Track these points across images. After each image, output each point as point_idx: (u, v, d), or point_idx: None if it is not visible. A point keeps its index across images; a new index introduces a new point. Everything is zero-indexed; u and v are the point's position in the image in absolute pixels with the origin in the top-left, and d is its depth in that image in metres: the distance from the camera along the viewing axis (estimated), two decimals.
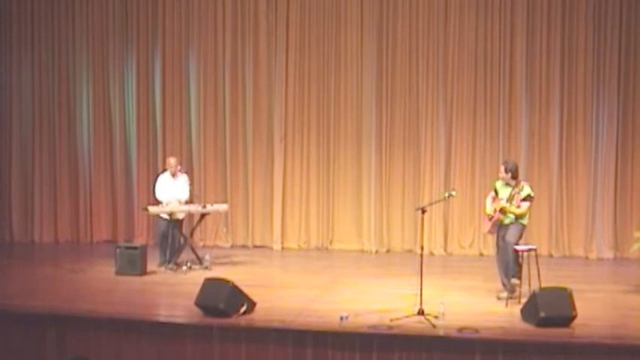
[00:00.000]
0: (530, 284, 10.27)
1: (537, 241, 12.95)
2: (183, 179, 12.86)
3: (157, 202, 12.72)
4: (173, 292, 11.34)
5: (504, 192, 10.60)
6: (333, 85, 14.66)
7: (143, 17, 15.06)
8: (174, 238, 12.70)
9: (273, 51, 14.76)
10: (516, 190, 10.48)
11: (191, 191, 13.01)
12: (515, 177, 10.62)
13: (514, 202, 10.43)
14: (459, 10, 14.20)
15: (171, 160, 12.86)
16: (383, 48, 14.43)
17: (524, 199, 10.46)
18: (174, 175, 12.76)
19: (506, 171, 10.62)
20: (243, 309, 9.66)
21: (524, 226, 10.63)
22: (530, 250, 10.56)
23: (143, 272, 12.16)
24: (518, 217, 10.48)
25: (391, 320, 9.35)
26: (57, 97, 15.32)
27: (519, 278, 10.39)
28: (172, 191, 12.67)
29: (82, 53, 15.23)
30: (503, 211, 10.47)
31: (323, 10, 14.63)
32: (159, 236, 12.78)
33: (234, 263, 13.32)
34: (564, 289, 9.50)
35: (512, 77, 14.10)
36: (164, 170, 13.09)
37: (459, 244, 14.38)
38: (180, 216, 12.84)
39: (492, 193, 10.82)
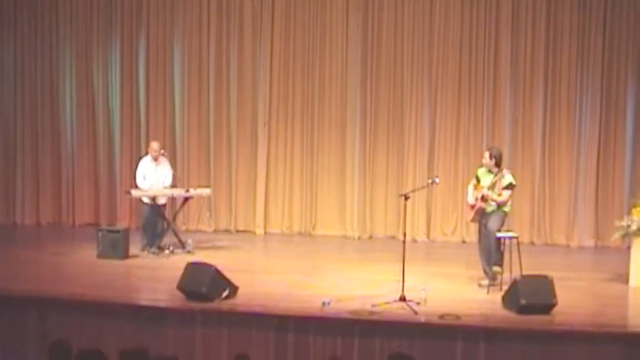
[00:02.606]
0: (511, 272, 10.29)
1: (519, 229, 12.98)
2: (165, 165, 12.80)
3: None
4: (155, 276, 11.33)
5: (486, 180, 10.61)
6: (317, 71, 14.64)
7: (127, 2, 14.95)
8: (157, 223, 12.68)
9: (258, 36, 14.72)
10: (498, 177, 10.51)
11: (174, 176, 12.96)
12: (498, 164, 10.64)
13: (496, 190, 10.46)
14: None
15: (154, 145, 12.78)
16: (368, 34, 14.42)
17: (505, 187, 10.49)
18: (156, 159, 12.70)
19: (490, 157, 10.63)
20: (225, 294, 9.66)
21: (505, 213, 10.66)
22: (512, 237, 10.60)
23: (125, 256, 12.13)
24: (499, 205, 10.51)
25: (373, 306, 9.39)
26: (40, 80, 15.22)
27: (501, 266, 10.42)
28: (155, 178, 12.63)
29: (65, 39, 15.12)
30: (484, 198, 10.49)
31: None
32: (143, 220, 12.75)
33: (216, 248, 13.31)
34: (545, 277, 9.55)
35: (497, 65, 14.12)
36: (146, 154, 13.03)
37: (441, 231, 14.43)
38: (163, 200, 12.80)
39: (474, 181, 10.82)
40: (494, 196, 10.45)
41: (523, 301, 9.24)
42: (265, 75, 14.71)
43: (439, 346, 8.83)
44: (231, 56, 14.79)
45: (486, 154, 10.72)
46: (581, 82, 13.91)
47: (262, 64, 14.71)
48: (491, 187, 10.49)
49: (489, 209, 10.53)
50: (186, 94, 14.90)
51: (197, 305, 9.46)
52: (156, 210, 12.60)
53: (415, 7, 14.29)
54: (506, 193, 10.50)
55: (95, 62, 15.11)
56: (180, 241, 12.70)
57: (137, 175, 12.70)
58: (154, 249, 12.45)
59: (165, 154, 12.98)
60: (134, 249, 12.42)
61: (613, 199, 13.91)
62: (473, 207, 10.65)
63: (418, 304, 9.43)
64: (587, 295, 10.50)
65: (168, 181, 12.73)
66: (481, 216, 10.63)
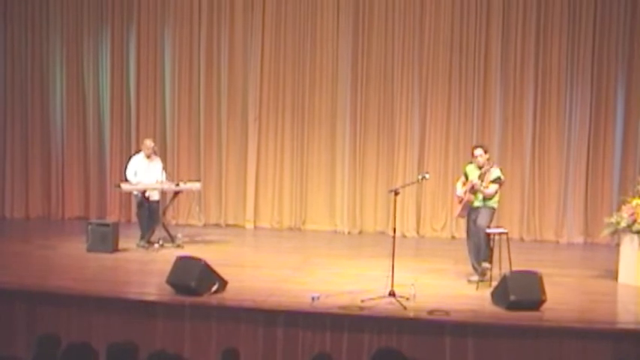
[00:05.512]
0: (500, 268, 10.31)
1: (509, 225, 13.05)
2: (158, 163, 12.73)
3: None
4: (145, 269, 11.32)
5: (474, 175, 10.59)
6: (308, 66, 14.64)
7: None
8: (152, 218, 12.61)
9: (249, 31, 14.71)
10: (486, 168, 10.50)
11: (167, 174, 12.89)
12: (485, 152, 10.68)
13: (484, 182, 10.45)
14: None
15: (148, 142, 12.75)
16: (359, 30, 14.43)
17: (493, 181, 10.49)
18: (149, 157, 12.67)
19: (485, 152, 10.63)
20: (214, 288, 9.65)
21: (494, 209, 10.67)
22: (501, 233, 10.61)
23: (115, 249, 12.11)
24: (486, 198, 10.50)
25: (362, 301, 9.39)
26: (30, 73, 15.20)
27: (490, 262, 10.44)
28: (147, 175, 12.58)
29: (55, 29, 15.09)
30: (473, 189, 10.47)
31: None
32: (139, 216, 12.71)
33: (206, 242, 13.30)
34: (534, 273, 9.57)
35: (487, 62, 14.14)
36: (137, 151, 12.98)
37: (431, 227, 14.44)
38: (156, 197, 12.73)
39: (462, 178, 10.83)
40: (482, 188, 10.43)
41: (512, 297, 9.25)
42: (256, 70, 14.69)
43: (428, 341, 8.83)
44: (222, 50, 14.77)
45: (480, 152, 10.64)
46: (571, 80, 13.94)
47: (253, 59, 14.69)
48: (480, 177, 10.48)
49: (476, 204, 10.52)
50: (177, 88, 14.88)
51: (186, 299, 9.45)
52: (151, 206, 12.54)
53: (406, 4, 14.28)
54: (493, 187, 10.50)
55: (86, 56, 15.07)
56: (169, 235, 12.69)
57: (128, 171, 12.66)
58: (143, 242, 12.43)
59: (157, 151, 12.94)
60: (123, 243, 12.39)
61: (602, 196, 13.94)
62: (460, 201, 10.64)
63: (407, 299, 9.43)
64: (576, 292, 10.52)
65: (162, 178, 12.63)
66: (469, 212, 10.63)
